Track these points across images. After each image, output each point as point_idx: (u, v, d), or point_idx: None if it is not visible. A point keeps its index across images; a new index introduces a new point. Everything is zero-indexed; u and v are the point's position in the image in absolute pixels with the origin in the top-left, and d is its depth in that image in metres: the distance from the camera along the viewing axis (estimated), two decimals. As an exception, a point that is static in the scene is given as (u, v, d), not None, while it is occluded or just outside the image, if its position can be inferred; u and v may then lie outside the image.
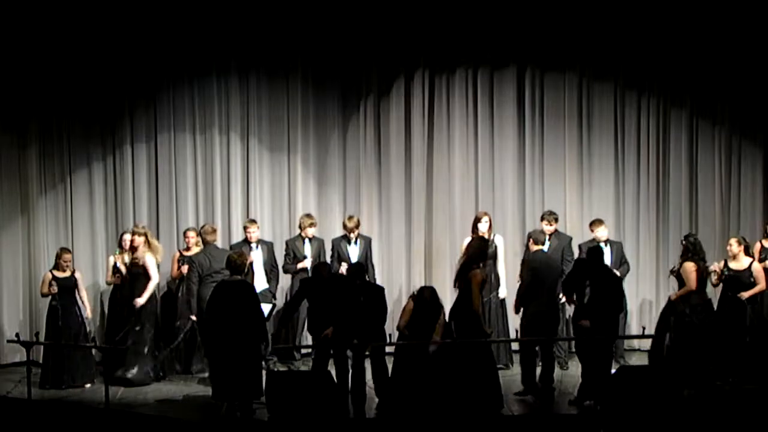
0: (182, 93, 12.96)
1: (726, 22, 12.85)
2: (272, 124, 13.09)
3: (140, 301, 11.51)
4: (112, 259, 11.97)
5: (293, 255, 12.08)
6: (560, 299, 11.73)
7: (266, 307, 11.17)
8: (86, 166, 12.84)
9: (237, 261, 10.37)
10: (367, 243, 12.24)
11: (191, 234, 12.09)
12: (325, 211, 13.06)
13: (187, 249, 12.07)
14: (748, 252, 11.45)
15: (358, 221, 12.23)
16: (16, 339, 10.70)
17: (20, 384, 10.65)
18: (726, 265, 11.42)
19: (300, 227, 12.23)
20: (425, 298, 10.41)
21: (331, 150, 13.20)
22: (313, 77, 13.10)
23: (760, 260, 11.64)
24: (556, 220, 12.13)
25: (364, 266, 11.12)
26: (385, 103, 13.17)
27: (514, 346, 12.04)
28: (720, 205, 13.21)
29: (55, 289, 11.43)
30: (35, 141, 12.70)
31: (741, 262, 11.37)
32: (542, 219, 12.13)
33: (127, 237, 11.82)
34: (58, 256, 11.60)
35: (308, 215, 12.28)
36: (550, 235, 12.00)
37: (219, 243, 12.16)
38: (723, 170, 13.20)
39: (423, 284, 12.04)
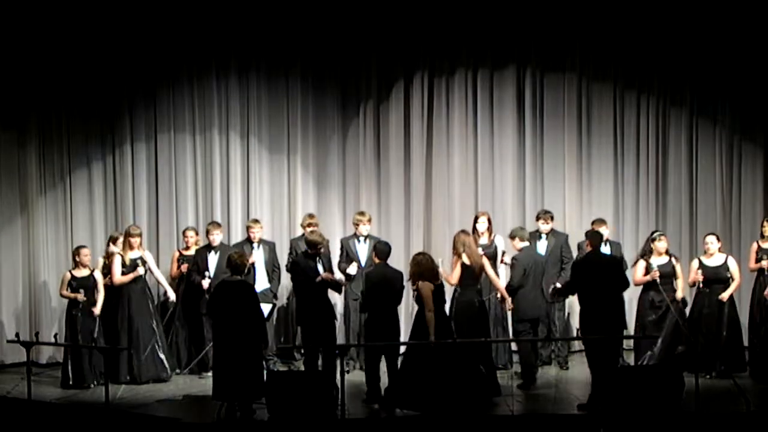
0: (182, 92, 12.96)
1: (726, 22, 12.86)
2: (272, 124, 13.10)
3: (173, 297, 11.76)
4: (100, 260, 11.93)
5: (296, 254, 12.06)
6: (557, 299, 11.82)
7: (266, 307, 11.18)
8: (86, 166, 12.84)
9: (237, 261, 10.35)
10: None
11: (190, 233, 12.07)
12: (325, 212, 13.05)
13: (186, 248, 12.05)
14: (721, 249, 11.59)
15: (370, 217, 12.18)
16: (16, 339, 10.68)
17: (20, 384, 10.63)
18: (701, 262, 11.51)
19: (302, 226, 12.24)
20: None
21: (330, 150, 13.20)
22: (313, 77, 13.11)
23: (757, 260, 11.67)
24: (552, 218, 12.15)
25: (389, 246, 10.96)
26: (384, 103, 13.18)
27: (513, 346, 12.06)
28: (721, 205, 13.22)
29: (82, 296, 11.33)
30: (35, 140, 12.69)
31: (717, 259, 11.48)
32: (538, 218, 12.16)
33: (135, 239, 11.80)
34: (76, 254, 11.54)
35: (309, 215, 12.21)
36: (546, 233, 12.02)
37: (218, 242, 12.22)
38: (724, 170, 13.22)
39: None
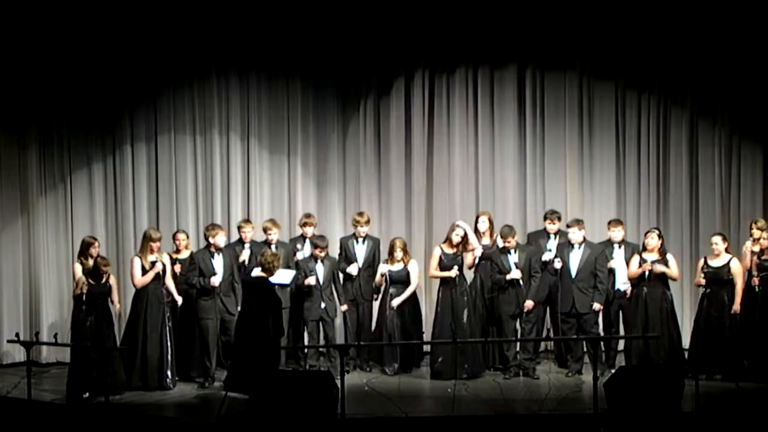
0: (182, 94, 12.97)
1: (726, 22, 12.85)
2: (272, 125, 13.11)
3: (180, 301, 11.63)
4: (78, 267, 11.72)
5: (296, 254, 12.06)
6: None
7: (289, 274, 11.31)
8: (86, 167, 12.85)
9: (267, 259, 10.73)
10: (375, 244, 12.17)
11: (182, 236, 11.83)
12: (325, 212, 13.06)
13: (177, 251, 11.85)
14: (727, 249, 11.57)
15: (369, 218, 12.20)
16: (16, 339, 10.69)
17: (20, 384, 10.63)
18: (706, 262, 11.49)
19: (300, 225, 12.23)
20: None
21: (331, 151, 13.22)
22: (313, 77, 13.13)
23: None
24: (559, 218, 12.10)
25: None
26: (384, 103, 13.19)
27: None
28: (720, 204, 13.21)
29: (84, 288, 10.91)
30: (35, 141, 12.70)
31: (721, 260, 11.47)
32: (545, 218, 12.12)
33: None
34: (100, 264, 10.99)
35: (305, 215, 12.21)
36: (555, 233, 11.99)
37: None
38: (723, 170, 13.21)
39: (422, 285, 12.23)
